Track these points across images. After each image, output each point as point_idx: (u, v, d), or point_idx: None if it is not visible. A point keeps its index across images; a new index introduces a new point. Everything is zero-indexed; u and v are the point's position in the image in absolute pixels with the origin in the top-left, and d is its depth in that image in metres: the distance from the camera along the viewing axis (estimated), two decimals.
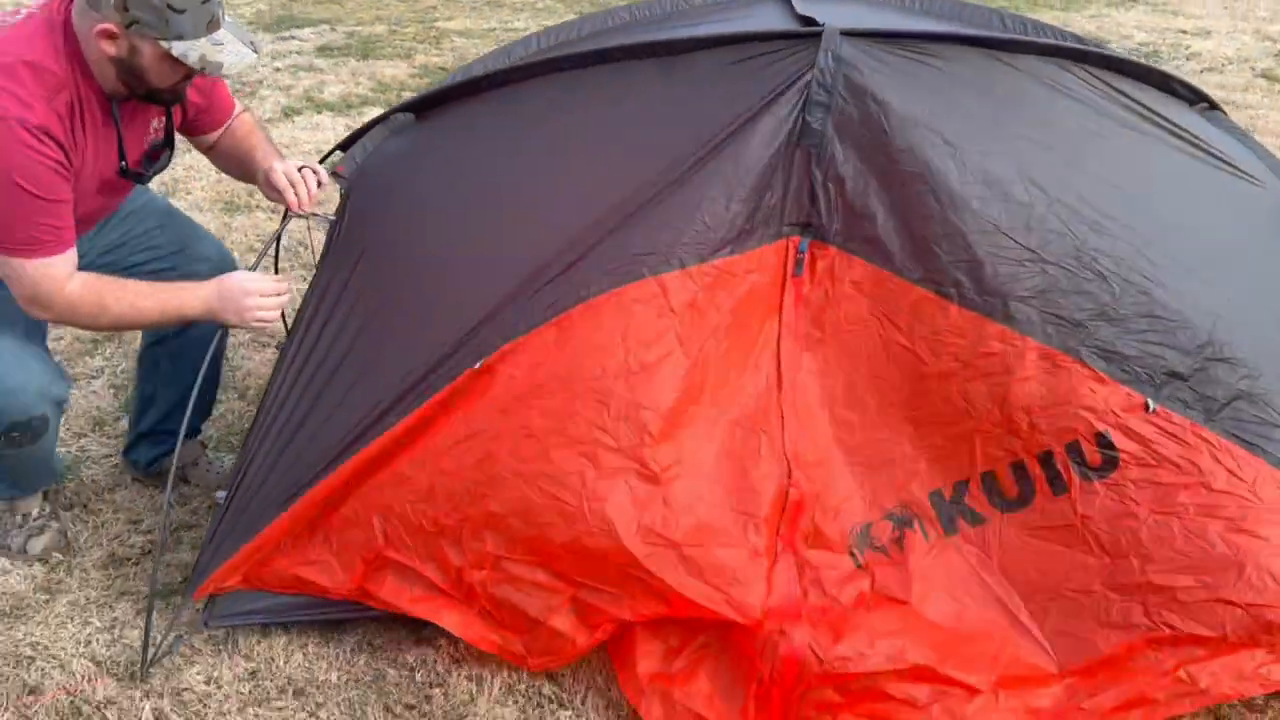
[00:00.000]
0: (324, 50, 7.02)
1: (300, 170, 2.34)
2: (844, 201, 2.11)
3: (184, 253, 2.52)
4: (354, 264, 2.31)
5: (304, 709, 2.13)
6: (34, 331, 2.38)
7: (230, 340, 3.31)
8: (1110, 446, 2.01)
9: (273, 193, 2.36)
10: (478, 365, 2.10)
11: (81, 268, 2.20)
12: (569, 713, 2.11)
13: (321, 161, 2.51)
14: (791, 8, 2.37)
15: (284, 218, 2.35)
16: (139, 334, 2.80)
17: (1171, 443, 2.01)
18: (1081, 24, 7.57)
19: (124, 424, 3.01)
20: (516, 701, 2.14)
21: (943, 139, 2.11)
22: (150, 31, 2.04)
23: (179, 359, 2.61)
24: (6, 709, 2.12)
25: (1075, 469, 2.02)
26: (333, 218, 2.36)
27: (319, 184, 2.35)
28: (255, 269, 2.31)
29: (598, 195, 2.16)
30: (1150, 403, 2.03)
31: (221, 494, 2.32)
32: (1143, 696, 1.98)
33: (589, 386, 2.04)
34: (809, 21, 2.24)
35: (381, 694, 2.16)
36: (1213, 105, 2.53)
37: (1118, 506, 2.01)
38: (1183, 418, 2.03)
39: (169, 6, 2.02)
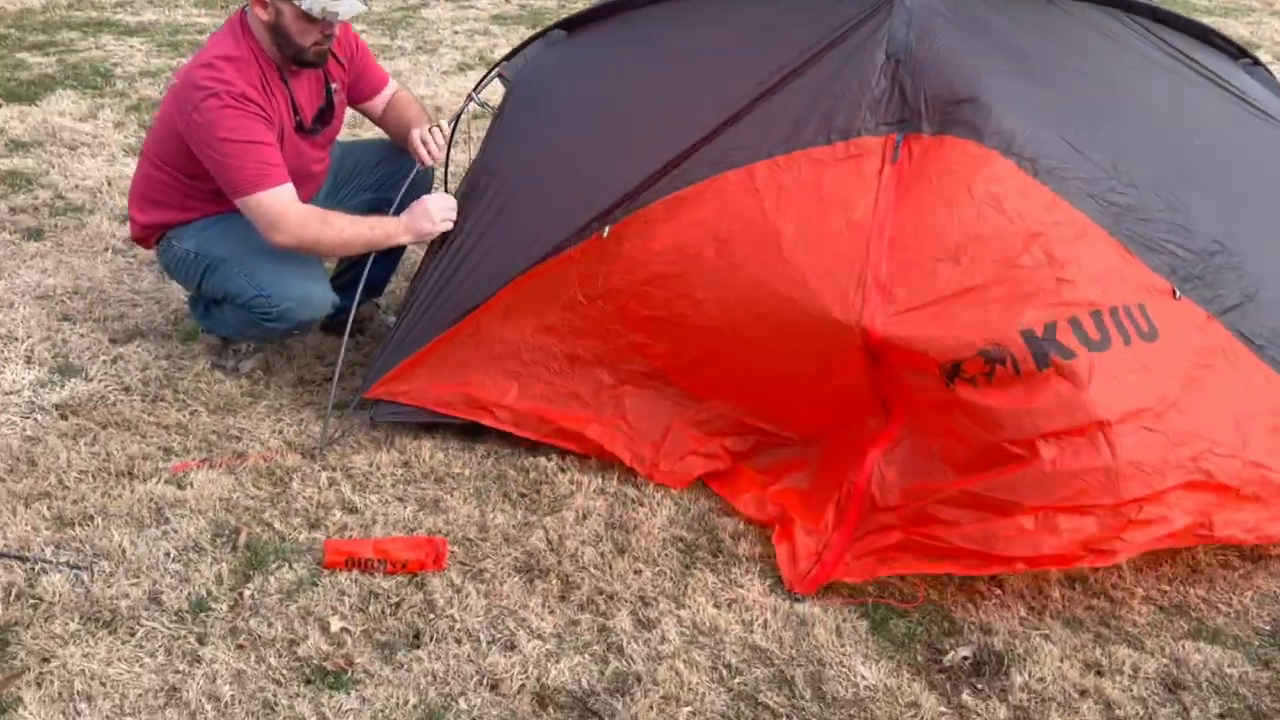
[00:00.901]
0: (498, 18, 7.72)
1: (430, 130, 2.96)
2: (930, 98, 2.47)
3: (383, 164, 3.23)
4: (507, 148, 2.89)
5: (443, 490, 2.71)
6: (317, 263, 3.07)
7: None
8: (1149, 317, 2.35)
9: (412, 152, 2.99)
10: (605, 233, 2.63)
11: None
12: (645, 510, 2.62)
13: (493, 68, 3.11)
14: None
15: (456, 117, 2.98)
16: None
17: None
18: (1237, 29, 7.65)
19: None
20: (605, 499, 2.66)
21: (1005, 58, 2.54)
22: None
23: None
24: (220, 466, 2.76)
25: (1133, 326, 2.33)
26: (493, 109, 2.95)
27: (443, 136, 2.98)
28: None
29: (705, 102, 2.65)
30: (1176, 290, 2.40)
31: (393, 318, 2.93)
32: (1173, 533, 2.26)
33: (693, 249, 2.54)
34: None
35: (502, 485, 2.72)
36: (1256, 62, 2.87)
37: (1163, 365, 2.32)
38: (1201, 309, 2.41)
39: None
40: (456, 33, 7.26)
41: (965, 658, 2.27)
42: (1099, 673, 2.22)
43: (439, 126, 2.98)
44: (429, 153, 2.96)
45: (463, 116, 3.07)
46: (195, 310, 3.23)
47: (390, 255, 3.28)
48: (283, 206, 2.78)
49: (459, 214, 2.86)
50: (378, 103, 3.20)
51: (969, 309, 2.36)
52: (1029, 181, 2.43)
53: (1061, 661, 2.24)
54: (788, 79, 2.58)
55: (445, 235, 2.86)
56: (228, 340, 3.20)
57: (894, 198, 2.45)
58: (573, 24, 3.00)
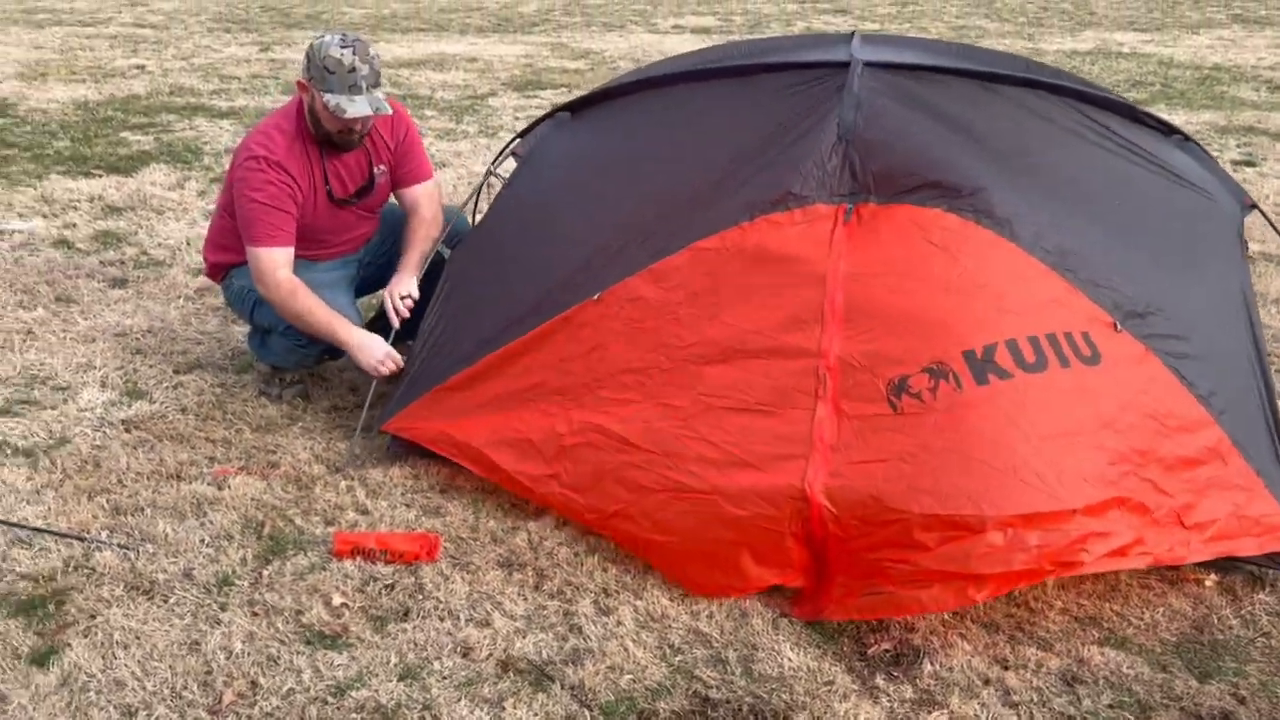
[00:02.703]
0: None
1: (403, 298, 3.38)
2: (876, 173, 2.79)
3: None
4: (509, 216, 3.32)
5: (445, 498, 3.08)
6: (346, 284, 3.51)
7: None
8: (1092, 344, 2.62)
9: (384, 303, 3.42)
10: (596, 296, 3.00)
11: (358, 272, 3.56)
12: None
13: (507, 145, 3.56)
14: (848, 47, 3.22)
15: (485, 176, 3.45)
16: None
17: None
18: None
19: None
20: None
21: (947, 133, 2.89)
22: (317, 85, 3.18)
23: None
24: (255, 473, 3.18)
25: (1072, 352, 2.60)
26: (504, 178, 3.39)
27: (409, 306, 3.36)
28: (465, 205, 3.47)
29: (683, 178, 3.02)
30: (1118, 324, 2.68)
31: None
32: (1121, 548, 2.49)
33: (673, 305, 2.85)
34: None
35: (498, 497, 3.07)
36: (1186, 138, 3.18)
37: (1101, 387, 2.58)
38: (1140, 344, 2.68)
39: (325, 69, 3.15)
40: (518, 119, 7.83)
41: (886, 650, 2.54)
42: (1005, 666, 2.48)
43: (410, 296, 3.36)
44: (396, 314, 3.36)
45: (482, 188, 3.54)
46: (252, 342, 3.70)
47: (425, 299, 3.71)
48: (272, 266, 3.25)
49: (460, 270, 3.27)
50: (407, 195, 3.53)
51: (914, 330, 2.63)
52: (974, 228, 2.73)
53: (972, 656, 2.50)
54: (753, 157, 2.95)
55: (447, 288, 3.27)
56: (276, 369, 3.64)
57: (846, 246, 2.79)
58: (577, 107, 3.43)
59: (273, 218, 3.24)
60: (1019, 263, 2.73)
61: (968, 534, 2.46)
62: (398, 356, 3.29)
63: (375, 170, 3.47)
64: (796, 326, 2.72)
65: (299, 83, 3.27)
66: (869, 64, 2.97)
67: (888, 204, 2.81)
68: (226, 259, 3.54)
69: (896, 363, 2.62)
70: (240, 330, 4.11)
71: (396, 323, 3.37)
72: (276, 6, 13.48)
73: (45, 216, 5.38)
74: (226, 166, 6.24)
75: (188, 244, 5.04)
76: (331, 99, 3.17)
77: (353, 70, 3.16)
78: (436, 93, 8.72)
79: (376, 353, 3.29)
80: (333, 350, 3.47)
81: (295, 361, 3.58)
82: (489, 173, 3.67)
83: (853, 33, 3.37)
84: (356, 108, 3.18)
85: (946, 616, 2.63)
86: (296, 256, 3.33)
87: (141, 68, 9.48)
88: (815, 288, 2.74)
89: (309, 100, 3.25)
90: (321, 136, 3.31)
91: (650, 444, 2.78)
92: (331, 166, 3.38)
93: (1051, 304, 2.70)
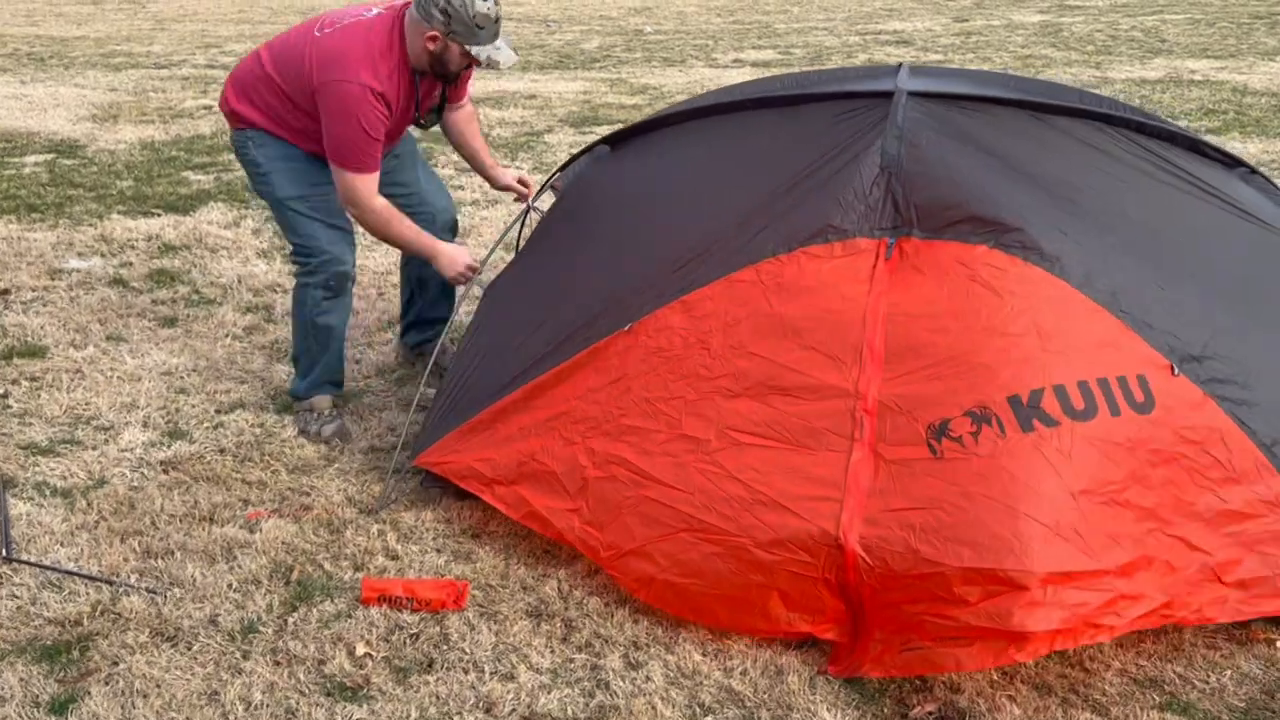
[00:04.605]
0: None
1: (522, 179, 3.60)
2: (920, 207, 2.69)
3: (416, 192, 3.72)
4: (546, 250, 3.26)
5: (475, 544, 3.01)
6: (350, 224, 3.59)
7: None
8: (1147, 389, 2.49)
9: (501, 187, 3.62)
10: (627, 328, 2.93)
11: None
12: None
13: (548, 179, 3.52)
14: (895, 78, 3.12)
15: (525, 212, 3.41)
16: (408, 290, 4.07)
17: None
18: None
19: (398, 374, 4.13)
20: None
21: (994, 166, 2.77)
22: (460, 39, 3.23)
23: (425, 280, 3.95)
24: (287, 516, 3.14)
25: (1124, 398, 2.47)
26: (543, 211, 3.34)
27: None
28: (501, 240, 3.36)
29: (720, 210, 2.95)
30: (1175, 368, 2.54)
31: (431, 391, 3.30)
32: (1168, 604, 2.37)
33: (703, 335, 2.77)
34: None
35: (529, 543, 3.00)
36: (1252, 170, 3.02)
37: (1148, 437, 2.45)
38: (1197, 388, 2.54)
39: (475, 25, 3.21)
40: (572, 149, 7.83)
41: (930, 712, 2.40)
42: None
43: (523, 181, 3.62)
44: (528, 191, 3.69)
45: (521, 221, 3.50)
46: (303, 356, 3.73)
47: (449, 296, 3.99)
48: (369, 192, 3.36)
49: (493, 305, 3.23)
50: (455, 109, 3.69)
51: (957, 372, 2.52)
52: (1021, 265, 2.61)
53: None
54: (792, 188, 2.85)
55: (480, 322, 3.22)
56: (311, 404, 3.68)
57: (888, 283, 2.68)
58: (616, 140, 3.38)
59: (372, 149, 3.31)
60: (1069, 302, 2.60)
61: (1010, 589, 2.34)
62: (476, 264, 3.46)
63: (443, 95, 3.57)
64: (833, 366, 2.62)
65: (430, 35, 3.24)
66: (913, 94, 2.87)
67: (931, 239, 2.70)
68: (249, 115, 3.47)
69: (937, 405, 2.50)
70: (283, 369, 4.11)
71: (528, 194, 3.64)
72: None
73: (103, 255, 5.47)
74: None
75: (239, 281, 5.08)
76: (482, 51, 3.25)
77: (496, 20, 3.26)
78: (493, 130, 8.76)
79: (459, 262, 3.44)
80: (336, 277, 3.54)
81: (312, 313, 3.59)
82: (528, 208, 3.63)
83: (900, 64, 3.26)
84: (505, 56, 3.28)
85: (994, 676, 2.49)
86: None
87: (209, 108, 9.68)
88: (854, 326, 2.64)
89: (437, 49, 3.27)
90: (438, 73, 3.36)
91: (673, 478, 2.68)
92: (422, 90, 3.45)
93: (1104, 346, 2.56)
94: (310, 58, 3.29)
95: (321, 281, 3.54)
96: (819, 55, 13.00)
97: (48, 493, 3.27)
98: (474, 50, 3.23)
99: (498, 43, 3.26)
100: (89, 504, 3.19)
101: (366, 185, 3.33)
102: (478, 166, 3.79)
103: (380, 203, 3.38)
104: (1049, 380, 2.50)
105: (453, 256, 3.45)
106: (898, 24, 16.04)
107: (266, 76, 3.43)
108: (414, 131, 3.75)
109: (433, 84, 3.47)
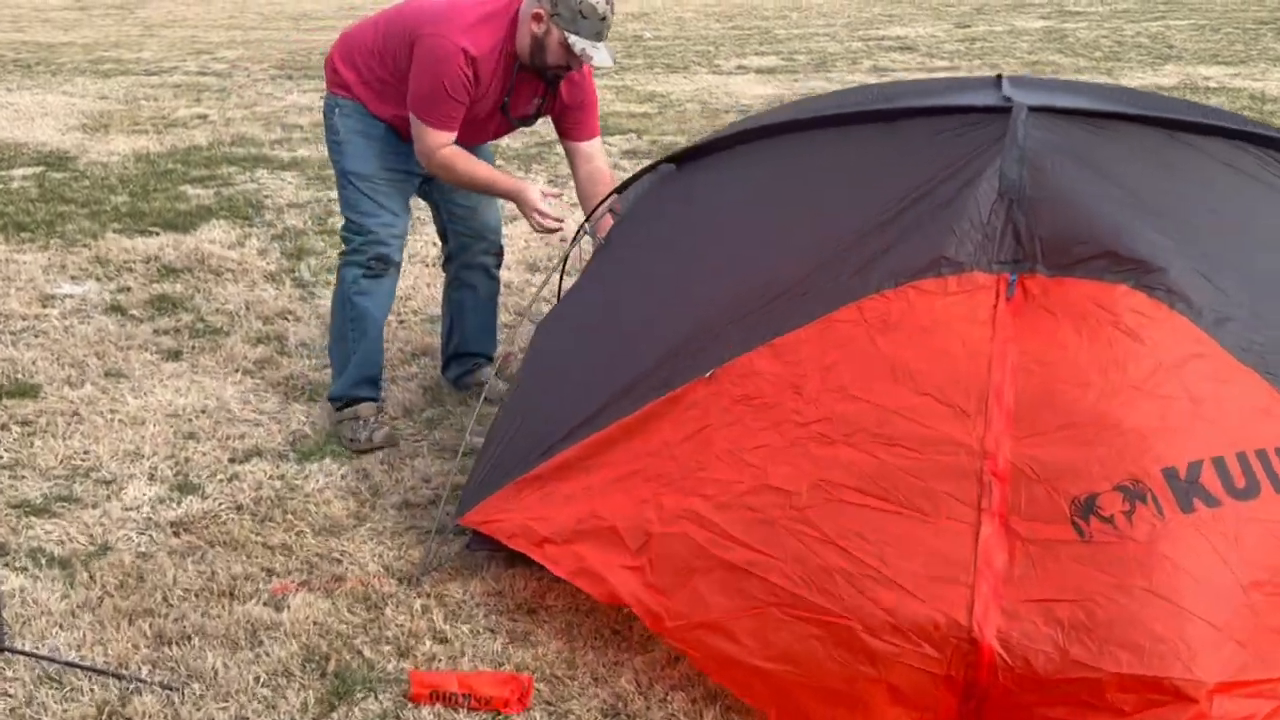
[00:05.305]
0: (629, 153, 7.94)
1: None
2: (1045, 239, 2.36)
3: (475, 213, 3.67)
4: (607, 278, 2.90)
5: (534, 622, 2.65)
6: (408, 217, 3.57)
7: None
8: None
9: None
10: (708, 374, 2.56)
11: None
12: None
13: (603, 200, 3.17)
14: (998, 90, 2.77)
15: (575, 236, 3.03)
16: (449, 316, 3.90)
17: None
18: None
19: (428, 414, 3.77)
20: None
21: (1126, 194, 2.43)
22: (562, 23, 3.14)
23: (464, 308, 3.83)
24: (318, 589, 2.77)
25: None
26: (601, 239, 2.98)
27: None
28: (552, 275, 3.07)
29: (810, 239, 2.60)
30: None
31: (479, 440, 2.94)
32: None
33: (796, 379, 2.41)
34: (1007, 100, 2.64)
35: (595, 619, 2.64)
36: None
37: None
38: None
39: (580, 13, 3.14)
40: (632, 173, 7.48)
41: None
42: None
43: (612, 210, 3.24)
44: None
45: (575, 249, 3.14)
46: (337, 341, 3.63)
47: (490, 328, 3.89)
48: (439, 145, 3.30)
49: (547, 344, 2.88)
50: (577, 149, 3.56)
51: (1103, 437, 2.18)
52: (1165, 311, 2.28)
53: None
54: (896, 216, 2.50)
55: (531, 364, 2.87)
56: (356, 411, 3.53)
57: (1013, 328, 2.33)
58: (684, 158, 3.02)
59: (453, 109, 3.27)
60: (1218, 361, 2.26)
61: (1173, 700, 2.00)
62: (549, 191, 3.41)
63: (541, 103, 3.46)
64: (954, 416, 2.26)
65: (535, 14, 3.19)
66: (1033, 109, 2.52)
67: (1060, 276, 2.36)
68: (347, 77, 3.45)
69: (1082, 476, 2.16)
70: (300, 409, 3.74)
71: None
72: None
73: (99, 279, 5.09)
74: (290, 224, 5.96)
75: (247, 308, 4.70)
76: (578, 43, 3.16)
77: (604, 19, 3.19)
78: (504, 141, 8.37)
79: (541, 206, 3.35)
80: (380, 258, 3.48)
81: (372, 365, 3.56)
82: (580, 231, 3.25)
83: (999, 75, 2.92)
84: (601, 56, 3.20)
85: None
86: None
87: (204, 117, 9.29)
88: (978, 372, 2.29)
89: (540, 31, 3.20)
90: (535, 64, 3.27)
91: (758, 540, 2.31)
92: (516, 85, 3.35)
93: (1258, 414, 2.23)
94: (420, 13, 3.33)
95: (363, 260, 3.48)
96: (824, 62, 12.67)
97: (44, 562, 2.89)
98: (571, 39, 3.15)
99: (598, 43, 3.17)
100: (91, 576, 2.82)
101: (436, 139, 3.29)
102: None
103: (448, 152, 3.31)
104: (1207, 452, 2.17)
105: (534, 201, 3.34)
106: (900, 29, 15.73)
107: (376, 38, 3.42)
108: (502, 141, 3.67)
109: (533, 85, 3.37)
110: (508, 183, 3.44)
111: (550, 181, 7.04)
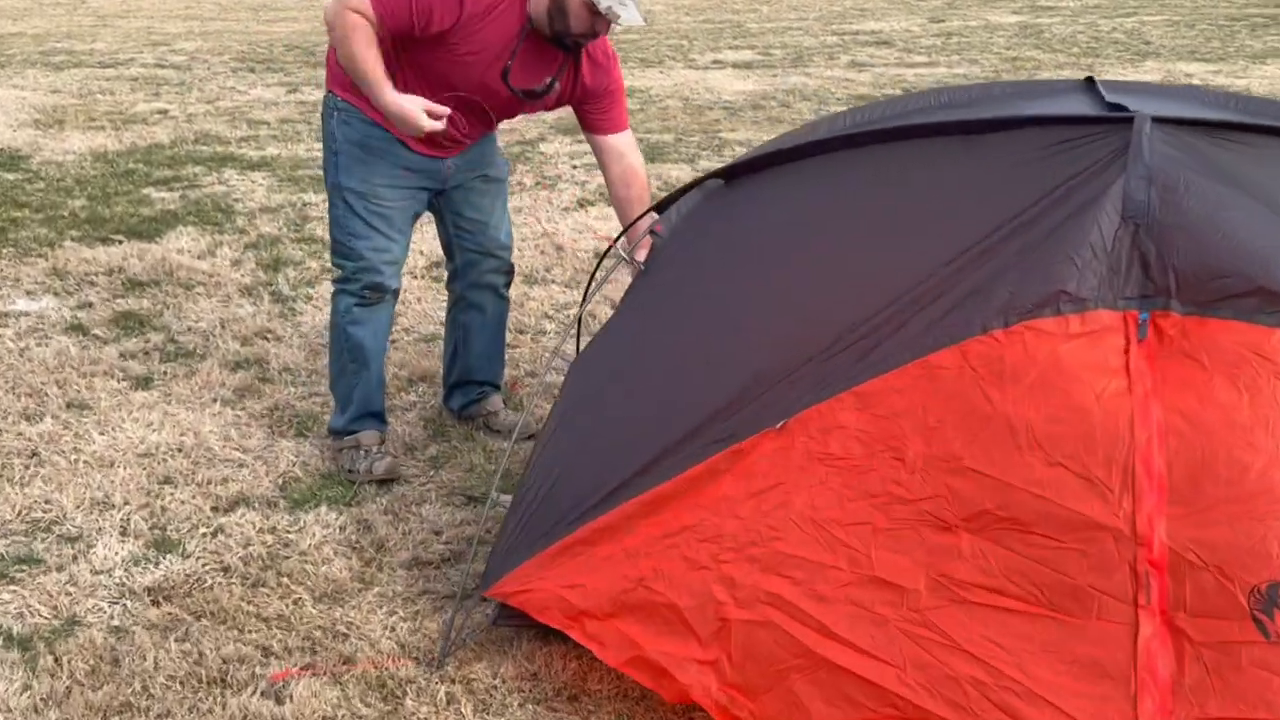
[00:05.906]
0: None
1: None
2: (1181, 272, 2.03)
3: (486, 228, 3.31)
4: (651, 311, 2.54)
5: (577, 713, 2.29)
6: (406, 239, 3.20)
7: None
8: None
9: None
10: (778, 426, 2.20)
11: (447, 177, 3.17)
12: None
13: (639, 217, 2.81)
14: (1098, 96, 2.45)
15: (602, 259, 2.66)
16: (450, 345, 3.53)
17: None
18: None
19: (432, 451, 3.39)
20: None
21: (1273, 217, 2.10)
22: None
23: (470, 332, 3.44)
24: (324, 673, 2.40)
25: None
26: (642, 265, 2.61)
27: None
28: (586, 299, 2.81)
29: (895, 267, 2.23)
30: None
31: (506, 498, 2.56)
32: None
33: (893, 441, 2.07)
34: (1116, 108, 2.31)
35: (647, 707, 2.29)
36: None
37: None
38: None
39: None
40: (575, 167, 7.10)
41: None
42: None
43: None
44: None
45: (603, 267, 2.77)
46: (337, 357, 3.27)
47: (497, 354, 3.51)
48: (356, 6, 2.81)
49: (583, 386, 2.52)
50: (605, 145, 3.18)
51: None
52: None
53: None
54: (997, 245, 2.16)
55: (564, 411, 2.51)
56: (357, 439, 3.21)
57: (1152, 379, 2.00)
58: (733, 173, 2.66)
59: (400, 6, 2.81)
60: None
61: None
62: (437, 109, 2.87)
63: (554, 81, 3.01)
64: (1093, 492, 1.93)
65: None
66: (1157, 120, 2.19)
67: (1201, 315, 2.02)
68: (346, 78, 3.00)
69: (1259, 560, 1.83)
70: (289, 445, 3.35)
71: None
72: (300, 45, 12.81)
73: (57, 294, 4.64)
74: (263, 230, 5.53)
75: (222, 327, 4.29)
76: (604, 1, 2.78)
77: None
78: None
79: (413, 118, 2.85)
80: (373, 287, 3.13)
81: (373, 400, 3.25)
82: (611, 255, 2.86)
83: (1089, 78, 2.59)
84: (629, 14, 2.83)
85: None
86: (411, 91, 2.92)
87: (164, 112, 8.81)
88: (1118, 435, 1.95)
89: None
90: (555, 31, 2.89)
91: (868, 641, 1.99)
92: (524, 50, 2.94)
93: None
94: None
95: (355, 290, 3.14)
96: (800, 57, 12.38)
97: (2, 642, 2.49)
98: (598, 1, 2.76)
99: (628, 2, 2.81)
100: (57, 660, 2.42)
101: (359, 5, 2.81)
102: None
103: (358, 22, 2.82)
104: None
105: (407, 114, 2.85)
106: (873, 24, 15.50)
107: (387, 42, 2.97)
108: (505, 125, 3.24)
109: (545, 56, 2.96)
110: (384, 96, 2.85)
111: (537, 183, 6.67)
